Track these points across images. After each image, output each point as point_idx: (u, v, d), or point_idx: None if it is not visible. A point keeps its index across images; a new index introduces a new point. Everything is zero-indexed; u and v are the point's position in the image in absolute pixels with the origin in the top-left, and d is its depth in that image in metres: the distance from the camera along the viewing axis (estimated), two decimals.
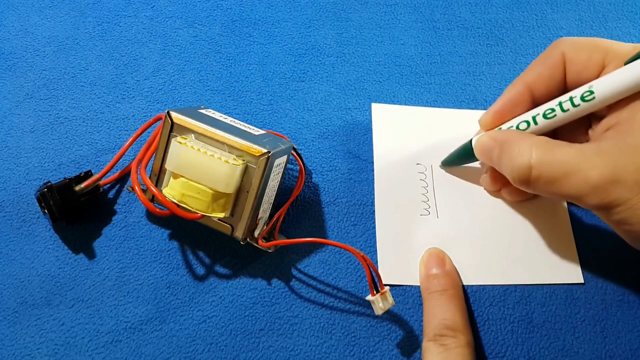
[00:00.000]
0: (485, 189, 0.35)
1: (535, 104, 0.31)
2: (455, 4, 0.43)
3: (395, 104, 0.38)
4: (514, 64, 0.40)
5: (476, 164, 0.35)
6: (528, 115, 0.30)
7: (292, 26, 0.41)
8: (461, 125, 0.37)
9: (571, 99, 0.29)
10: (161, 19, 0.41)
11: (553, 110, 0.29)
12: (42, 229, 0.33)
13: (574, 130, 0.31)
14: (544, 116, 0.30)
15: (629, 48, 0.29)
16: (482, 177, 0.35)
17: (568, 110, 0.29)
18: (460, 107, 0.38)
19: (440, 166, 0.36)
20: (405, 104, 0.38)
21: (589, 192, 0.26)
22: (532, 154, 0.27)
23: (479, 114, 0.38)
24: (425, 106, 0.38)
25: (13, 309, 0.31)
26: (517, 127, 0.31)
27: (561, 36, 0.41)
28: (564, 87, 0.30)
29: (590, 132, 0.30)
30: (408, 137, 0.37)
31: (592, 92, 0.28)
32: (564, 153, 0.27)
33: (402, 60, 0.40)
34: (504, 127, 0.31)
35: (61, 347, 0.30)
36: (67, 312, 0.31)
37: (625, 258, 0.33)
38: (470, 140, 0.33)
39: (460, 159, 0.34)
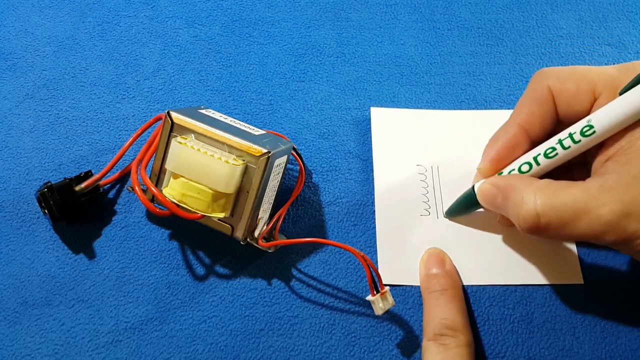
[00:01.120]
0: (504, 227, 0.34)
1: (533, 143, 0.30)
2: (455, 4, 0.43)
3: (395, 104, 0.38)
4: (514, 64, 0.40)
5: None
6: (529, 157, 0.30)
7: (292, 26, 0.41)
8: (460, 125, 0.37)
9: (571, 135, 0.28)
10: (161, 19, 0.41)
11: (554, 149, 0.29)
12: (42, 229, 0.33)
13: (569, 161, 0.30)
14: (546, 156, 0.29)
15: (614, 72, 0.28)
16: (498, 219, 0.34)
17: (569, 147, 0.28)
18: (460, 107, 0.38)
19: (444, 216, 0.34)
20: (405, 104, 0.38)
21: (604, 230, 0.25)
22: (536, 200, 0.27)
23: (478, 114, 0.38)
24: (425, 106, 0.38)
25: (13, 309, 0.31)
26: (520, 170, 0.30)
27: (561, 36, 0.41)
28: (557, 121, 0.30)
29: (589, 158, 0.30)
30: (407, 140, 0.37)
31: (591, 127, 0.27)
32: (569, 194, 0.26)
33: (402, 60, 0.40)
34: (505, 171, 0.31)
35: (61, 347, 0.30)
36: (67, 312, 0.31)
37: (625, 258, 0.33)
38: (473, 188, 0.32)
39: (465, 207, 0.33)
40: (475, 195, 0.31)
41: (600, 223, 0.25)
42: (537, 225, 0.27)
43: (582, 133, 0.28)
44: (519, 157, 0.30)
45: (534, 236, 0.28)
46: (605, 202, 0.25)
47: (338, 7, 0.42)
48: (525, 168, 0.30)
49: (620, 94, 0.27)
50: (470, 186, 0.32)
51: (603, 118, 0.27)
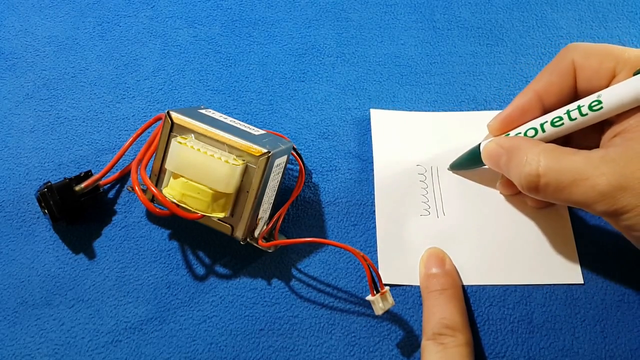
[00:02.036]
0: (501, 194, 0.35)
1: (546, 111, 0.31)
2: (455, 4, 0.43)
3: (395, 104, 0.38)
4: (514, 64, 0.40)
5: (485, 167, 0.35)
6: (536, 123, 0.30)
7: (292, 26, 0.41)
8: (460, 127, 0.37)
9: (579, 107, 0.28)
10: (161, 19, 0.41)
11: (561, 118, 0.29)
12: (42, 229, 0.33)
13: (586, 134, 0.31)
14: (552, 124, 0.29)
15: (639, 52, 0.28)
16: (498, 183, 0.34)
17: (576, 119, 0.29)
18: (460, 107, 0.38)
19: (448, 169, 0.36)
20: (405, 104, 0.38)
21: (597, 199, 0.26)
22: (540, 161, 0.27)
23: (478, 115, 0.38)
24: (425, 106, 0.38)
25: (13, 309, 0.31)
26: (525, 134, 0.31)
27: (561, 36, 0.41)
28: (575, 95, 0.30)
29: (602, 137, 0.30)
30: (407, 141, 0.37)
31: (600, 102, 0.28)
32: (572, 160, 0.27)
33: (402, 60, 0.40)
34: (512, 133, 0.31)
35: (61, 347, 0.30)
36: (67, 312, 0.31)
37: (625, 258, 0.33)
38: (479, 145, 0.33)
39: (468, 163, 0.34)
40: (479, 153, 0.32)
41: (595, 191, 0.26)
42: (536, 185, 0.28)
43: (590, 107, 0.28)
44: (528, 121, 0.31)
45: (532, 195, 0.29)
46: (604, 172, 0.26)
47: (338, 7, 0.42)
48: (530, 133, 0.30)
49: (635, 74, 0.27)
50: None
51: (612, 95, 0.27)
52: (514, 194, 0.34)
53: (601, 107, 0.28)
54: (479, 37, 0.41)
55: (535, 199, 0.33)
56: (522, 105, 0.31)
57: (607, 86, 0.29)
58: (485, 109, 0.38)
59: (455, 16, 0.42)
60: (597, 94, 0.28)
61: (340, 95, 0.39)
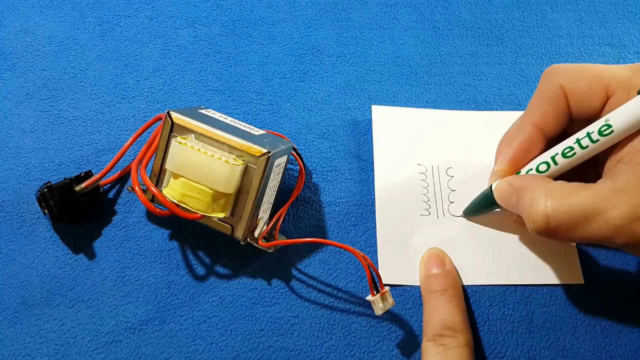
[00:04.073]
0: (519, 230, 0.34)
1: (548, 141, 0.30)
2: (455, 4, 0.43)
3: (395, 104, 0.38)
4: (514, 64, 0.40)
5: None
6: (547, 156, 0.30)
7: (292, 26, 0.41)
8: (462, 126, 0.37)
9: (589, 134, 0.28)
10: (161, 19, 0.41)
11: (572, 148, 0.29)
12: (42, 229, 0.33)
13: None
14: (564, 155, 0.29)
15: (627, 72, 0.28)
16: (514, 219, 0.33)
17: (587, 146, 0.28)
18: (460, 107, 0.38)
19: (461, 216, 0.34)
20: (405, 104, 0.38)
21: (614, 233, 0.25)
22: (547, 202, 0.26)
23: (480, 115, 0.38)
24: (425, 106, 0.38)
25: (13, 309, 0.31)
26: (537, 169, 0.30)
27: (561, 36, 0.41)
28: (571, 118, 0.30)
29: (600, 157, 0.29)
30: (408, 138, 0.37)
31: (609, 126, 0.27)
32: (581, 197, 0.26)
33: (402, 60, 0.40)
34: (523, 170, 0.31)
35: (61, 347, 0.30)
36: (67, 312, 0.31)
37: (625, 258, 0.33)
38: (490, 187, 0.32)
39: (482, 206, 0.33)
40: (492, 194, 0.31)
41: (610, 226, 0.25)
42: (546, 228, 0.26)
43: (600, 132, 0.27)
44: (535, 156, 0.30)
45: (544, 237, 0.27)
46: (616, 204, 0.25)
47: (338, 7, 0.42)
48: (543, 167, 0.30)
49: (639, 93, 0.27)
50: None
51: (621, 117, 0.27)
52: None
53: (612, 131, 0.27)
54: (479, 37, 0.41)
55: None
56: (525, 142, 0.30)
57: (601, 107, 0.28)
58: (485, 109, 0.38)
59: (455, 16, 0.42)
60: (604, 118, 0.28)
61: (340, 95, 0.39)
